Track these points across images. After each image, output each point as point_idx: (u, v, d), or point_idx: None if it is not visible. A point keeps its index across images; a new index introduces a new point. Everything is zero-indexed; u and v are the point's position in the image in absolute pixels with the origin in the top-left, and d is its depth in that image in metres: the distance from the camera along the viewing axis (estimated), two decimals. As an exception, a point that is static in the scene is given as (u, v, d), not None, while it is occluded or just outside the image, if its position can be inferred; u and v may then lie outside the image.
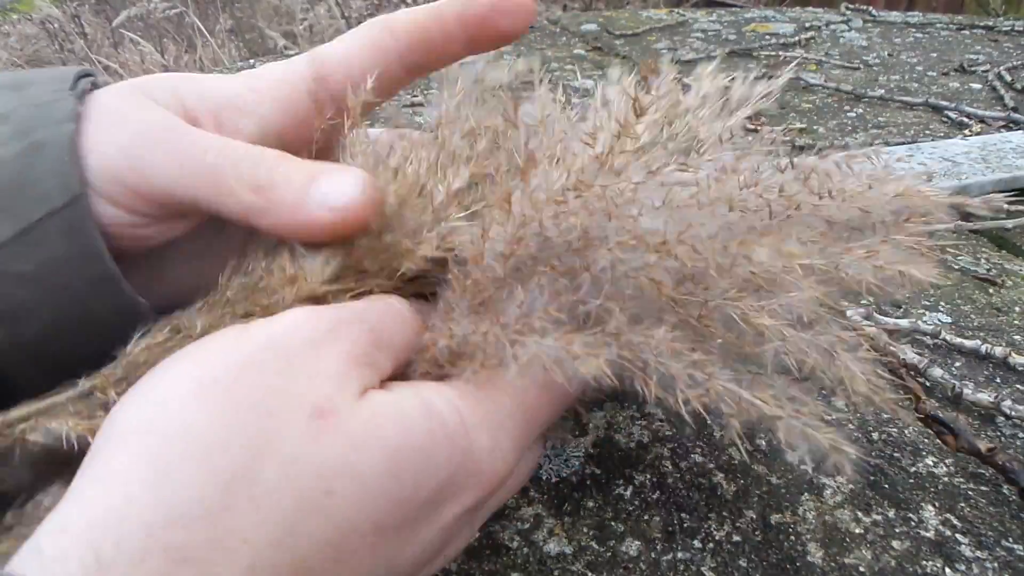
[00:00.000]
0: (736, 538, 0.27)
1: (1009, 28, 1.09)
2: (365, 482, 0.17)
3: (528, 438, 0.22)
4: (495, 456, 0.20)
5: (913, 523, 0.27)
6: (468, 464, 0.19)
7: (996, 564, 0.26)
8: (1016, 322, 0.41)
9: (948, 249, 0.49)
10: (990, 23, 1.15)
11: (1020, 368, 0.36)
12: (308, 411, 0.17)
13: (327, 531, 0.16)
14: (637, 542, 0.27)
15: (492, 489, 0.20)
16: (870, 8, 1.25)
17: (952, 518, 0.28)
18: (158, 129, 0.22)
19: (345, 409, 0.18)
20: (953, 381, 0.34)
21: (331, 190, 0.21)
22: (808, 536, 0.27)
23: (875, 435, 0.32)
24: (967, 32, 1.11)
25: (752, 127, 0.73)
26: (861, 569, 0.25)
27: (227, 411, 0.17)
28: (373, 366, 0.20)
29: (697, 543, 0.27)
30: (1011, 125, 0.71)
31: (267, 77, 0.25)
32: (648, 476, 0.29)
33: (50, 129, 0.21)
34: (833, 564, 0.26)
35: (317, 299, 0.22)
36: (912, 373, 0.36)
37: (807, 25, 1.16)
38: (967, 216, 0.54)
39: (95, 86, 0.24)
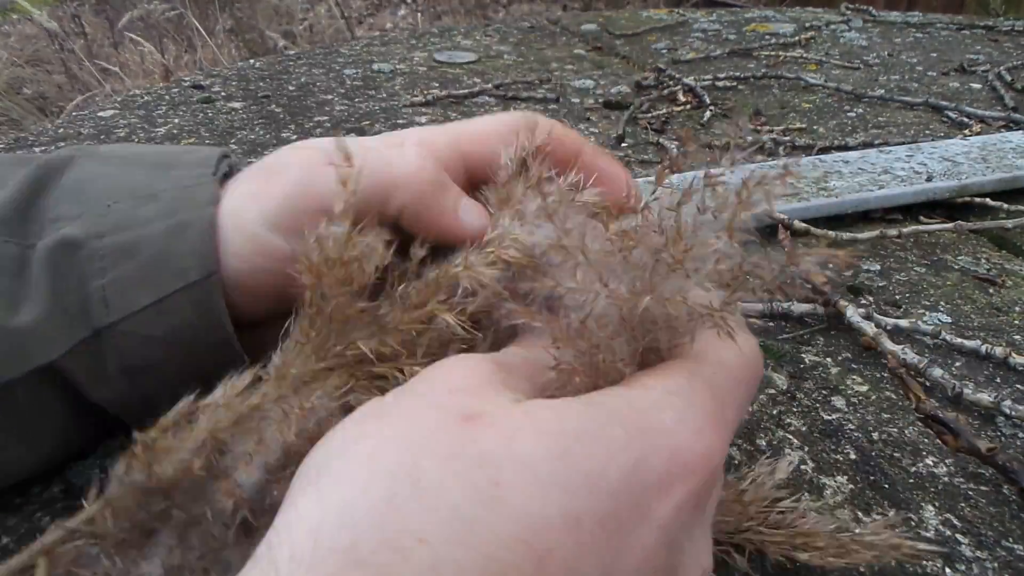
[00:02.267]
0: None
1: (1009, 28, 1.09)
2: (533, 467, 0.16)
3: (727, 416, 0.20)
4: (691, 436, 0.18)
5: (913, 523, 0.28)
6: (658, 447, 0.18)
7: (996, 564, 0.26)
8: (1016, 322, 0.41)
9: (948, 249, 0.49)
10: (990, 23, 1.15)
11: (1020, 368, 0.36)
12: (455, 418, 0.17)
13: (509, 525, 0.15)
14: (637, 542, 0.27)
15: (705, 477, 0.18)
16: (870, 8, 1.25)
17: (952, 518, 0.28)
18: (313, 172, 0.24)
19: (493, 410, 0.17)
20: (953, 381, 0.34)
21: (468, 210, 0.25)
22: (808, 536, 0.27)
23: (875, 435, 0.32)
24: (967, 32, 1.11)
25: (752, 127, 0.73)
26: (861, 569, 0.25)
27: (382, 428, 0.17)
28: (512, 387, 0.19)
29: (697, 543, 0.27)
30: (1011, 125, 0.71)
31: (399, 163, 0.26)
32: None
33: (193, 212, 0.24)
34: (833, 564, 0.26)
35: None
36: (912, 373, 0.36)
37: (807, 25, 1.16)
38: (967, 216, 0.54)
39: (232, 168, 0.27)
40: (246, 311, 0.26)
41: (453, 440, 0.16)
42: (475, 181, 0.27)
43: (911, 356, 0.36)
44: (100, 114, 0.78)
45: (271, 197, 0.24)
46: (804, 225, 0.50)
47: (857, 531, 0.24)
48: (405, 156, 0.25)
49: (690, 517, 0.18)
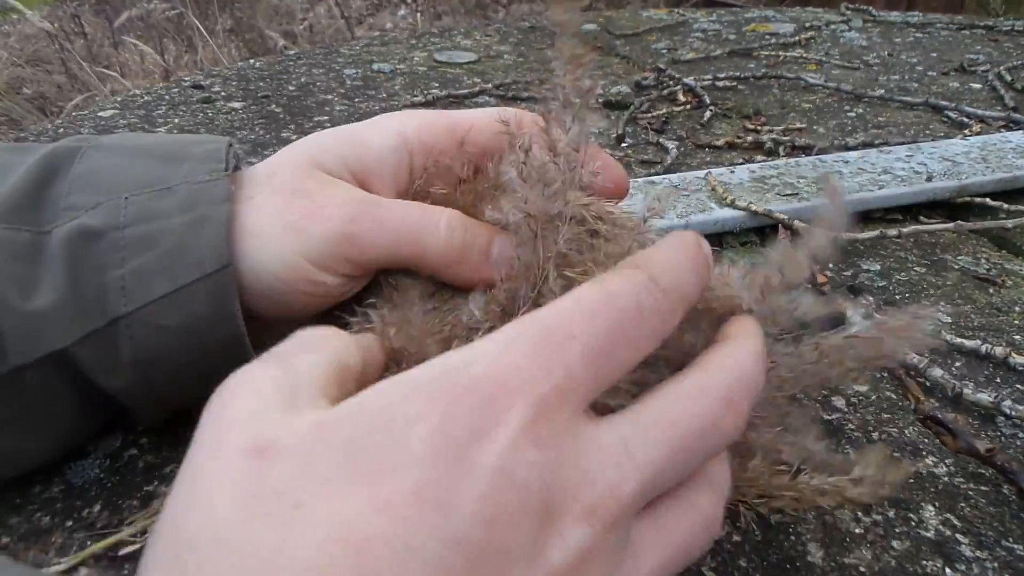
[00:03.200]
0: (736, 538, 0.27)
1: (1009, 28, 1.09)
2: (330, 477, 0.16)
3: (572, 348, 0.18)
4: (503, 376, 0.17)
5: (913, 523, 0.28)
6: (464, 399, 0.16)
7: (996, 564, 0.26)
8: (1016, 322, 0.41)
9: (948, 249, 0.49)
10: (990, 23, 1.15)
11: (1020, 368, 0.36)
12: (243, 455, 0.16)
13: (318, 531, 0.15)
14: (637, 542, 0.27)
15: (535, 410, 0.17)
16: (870, 8, 1.25)
17: (952, 518, 0.28)
18: (366, 206, 0.26)
19: (277, 435, 0.17)
20: (953, 381, 0.34)
21: (501, 251, 0.26)
22: (808, 536, 0.27)
23: (875, 435, 0.32)
24: (967, 32, 1.11)
25: (752, 127, 0.73)
26: (861, 569, 0.26)
27: (177, 495, 0.17)
28: (303, 394, 0.19)
29: (697, 543, 0.27)
30: (1011, 125, 0.71)
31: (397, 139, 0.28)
32: (648, 476, 0.29)
33: (211, 208, 0.25)
34: (833, 564, 0.26)
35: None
36: (912, 373, 0.36)
37: (807, 25, 1.16)
38: (967, 216, 0.54)
39: (236, 157, 0.28)
40: (261, 313, 0.26)
41: (247, 482, 0.16)
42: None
43: (911, 356, 0.36)
44: (100, 114, 0.78)
45: (313, 238, 0.25)
46: (804, 225, 0.50)
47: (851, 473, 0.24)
48: (433, 222, 0.26)
49: (536, 453, 0.16)
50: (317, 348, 0.20)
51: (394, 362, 0.23)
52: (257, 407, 0.18)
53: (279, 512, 0.15)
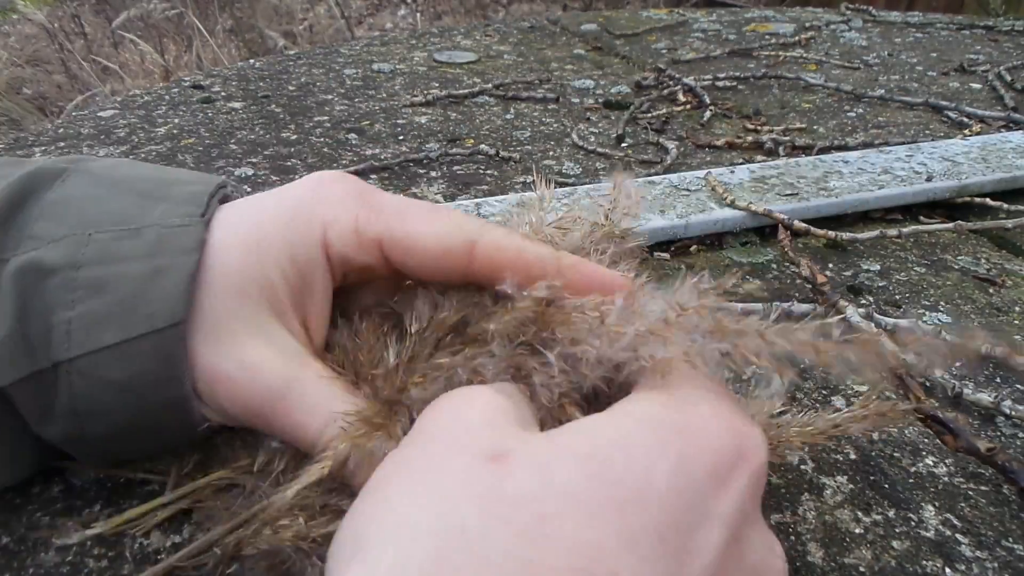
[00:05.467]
0: (736, 538, 0.27)
1: (1009, 28, 1.09)
2: (575, 494, 0.16)
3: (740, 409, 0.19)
4: (730, 423, 0.18)
5: (913, 523, 0.28)
6: (700, 440, 0.17)
7: (996, 564, 0.26)
8: (1016, 322, 0.41)
9: (948, 249, 0.49)
10: (990, 23, 1.15)
11: (1020, 368, 0.36)
12: (483, 459, 0.16)
13: (566, 557, 0.15)
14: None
15: (759, 462, 0.18)
16: (870, 8, 1.25)
17: (952, 518, 0.28)
18: (280, 404, 0.23)
19: (517, 445, 0.17)
20: (953, 381, 0.34)
21: None
22: (808, 536, 0.27)
23: (875, 435, 0.32)
24: (967, 32, 1.11)
25: (752, 127, 0.73)
26: (861, 569, 0.25)
27: (412, 485, 0.17)
28: (522, 419, 0.19)
29: (697, 543, 0.27)
30: (1011, 125, 0.71)
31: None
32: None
33: (175, 258, 0.23)
34: (833, 564, 0.26)
35: None
36: (912, 373, 0.36)
37: (807, 25, 1.16)
38: (967, 216, 0.54)
39: (227, 197, 0.26)
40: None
41: (487, 483, 0.16)
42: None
43: (911, 356, 0.36)
44: (100, 114, 0.78)
45: (236, 404, 0.24)
46: (804, 225, 0.50)
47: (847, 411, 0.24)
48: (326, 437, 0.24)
49: (750, 508, 0.17)
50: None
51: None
52: (496, 418, 0.18)
53: (524, 522, 0.15)
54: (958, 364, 0.23)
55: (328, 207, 0.25)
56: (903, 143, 0.65)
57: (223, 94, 0.85)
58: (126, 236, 0.23)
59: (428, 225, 0.24)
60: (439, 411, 0.19)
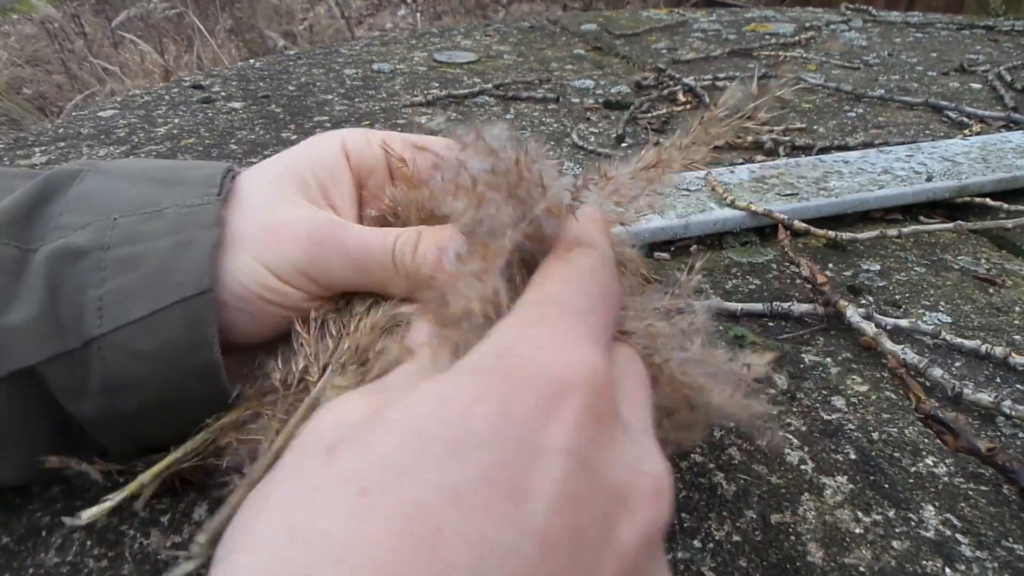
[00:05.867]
0: (736, 538, 0.27)
1: (1009, 28, 1.09)
2: (392, 462, 0.16)
3: (591, 323, 0.19)
4: (554, 355, 0.17)
5: (913, 523, 0.28)
6: (522, 380, 0.17)
7: (996, 564, 0.26)
8: (1016, 322, 0.41)
9: (948, 249, 0.49)
10: (990, 23, 1.15)
11: (1020, 368, 0.36)
12: (321, 454, 0.17)
13: (386, 523, 0.15)
14: (637, 542, 0.27)
15: (589, 389, 0.17)
16: (870, 8, 1.25)
17: (952, 518, 0.28)
18: (330, 233, 0.26)
19: (352, 430, 0.17)
20: (953, 381, 0.34)
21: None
22: (808, 536, 0.27)
23: (875, 435, 0.32)
24: (967, 32, 1.11)
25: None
26: (861, 569, 0.26)
27: (267, 496, 0.17)
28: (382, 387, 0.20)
29: (697, 543, 0.27)
30: (1011, 125, 0.71)
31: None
32: (648, 476, 0.29)
33: (198, 232, 0.25)
34: (833, 564, 0.26)
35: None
36: (912, 373, 0.36)
37: (807, 25, 1.16)
38: (967, 216, 0.54)
39: (235, 180, 0.28)
40: (235, 330, 0.26)
41: (318, 473, 0.16)
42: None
43: (911, 356, 0.36)
44: (100, 114, 0.78)
45: (280, 256, 0.26)
46: (804, 225, 0.50)
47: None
48: (384, 249, 0.27)
49: (596, 432, 0.17)
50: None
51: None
52: (343, 416, 0.18)
53: (345, 500, 0.15)
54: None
55: (340, 133, 0.30)
56: (903, 143, 0.65)
57: (223, 94, 0.85)
58: (149, 218, 0.25)
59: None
60: (302, 435, 0.19)
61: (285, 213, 0.26)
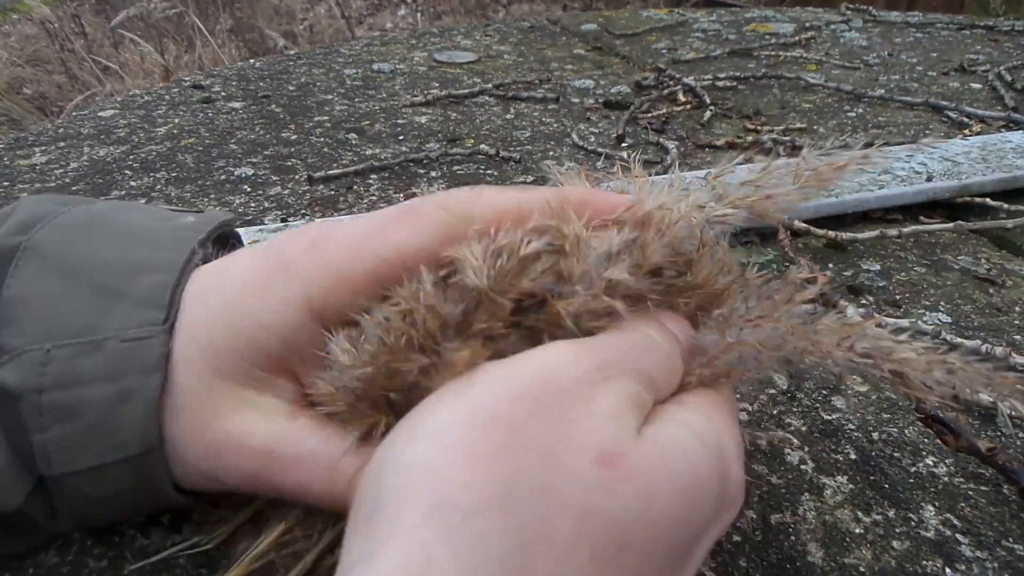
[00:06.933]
0: (736, 538, 0.27)
1: (1009, 28, 1.09)
2: (658, 530, 0.16)
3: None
4: (741, 482, 0.19)
5: (913, 523, 0.28)
6: (726, 495, 0.18)
7: (996, 564, 0.26)
8: (1016, 322, 0.41)
9: (948, 249, 0.49)
10: (990, 23, 1.15)
11: (1020, 368, 0.36)
12: (594, 456, 0.16)
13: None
14: (637, 542, 0.27)
15: (734, 518, 0.19)
16: (870, 8, 1.25)
17: (952, 518, 0.28)
18: (258, 460, 0.23)
19: (630, 451, 0.17)
20: (953, 381, 0.34)
21: None
22: (808, 536, 0.27)
23: (875, 435, 0.32)
24: (967, 32, 1.11)
25: (752, 127, 0.73)
26: (861, 569, 0.26)
27: (513, 455, 0.16)
28: (643, 406, 0.19)
29: (697, 543, 0.27)
30: (1011, 125, 0.71)
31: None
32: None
33: (138, 379, 0.22)
34: (833, 564, 0.26)
35: None
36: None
37: (807, 25, 1.16)
38: (967, 216, 0.54)
39: (206, 261, 0.25)
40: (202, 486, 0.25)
41: (593, 488, 0.16)
42: None
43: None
44: (100, 114, 0.78)
45: (219, 479, 0.23)
46: (804, 225, 0.50)
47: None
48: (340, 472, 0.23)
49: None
50: (670, 373, 0.21)
51: None
52: (619, 412, 0.17)
53: (607, 545, 0.16)
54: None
55: (304, 291, 0.22)
56: (903, 143, 0.65)
57: (223, 94, 0.85)
58: (86, 351, 0.22)
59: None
60: (553, 366, 0.18)
61: (220, 428, 0.23)
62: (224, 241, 0.29)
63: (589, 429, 0.17)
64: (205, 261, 0.25)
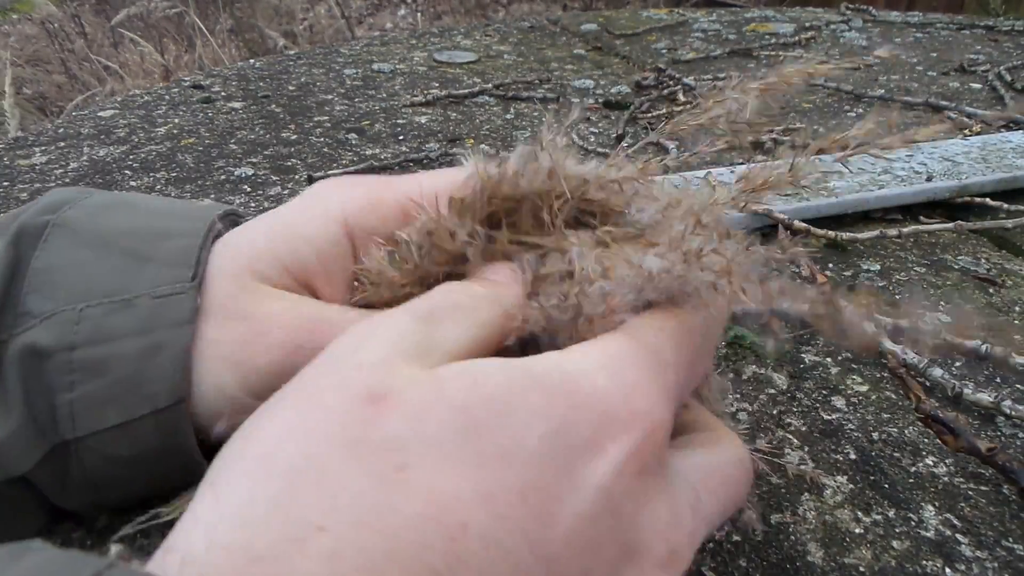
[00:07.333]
0: (736, 538, 0.27)
1: (1009, 28, 1.09)
2: (440, 447, 0.15)
3: (668, 378, 0.19)
4: (626, 394, 0.17)
5: (913, 523, 0.28)
6: (586, 409, 0.17)
7: (996, 564, 0.26)
8: (1016, 322, 0.41)
9: (948, 249, 0.49)
10: (990, 23, 1.15)
11: (1020, 368, 0.36)
12: (360, 399, 0.16)
13: (415, 504, 0.15)
14: (637, 542, 0.27)
15: (642, 436, 0.17)
16: (870, 8, 1.25)
17: (952, 518, 0.28)
18: (310, 330, 0.23)
19: (401, 386, 0.17)
20: (953, 381, 0.34)
21: None
22: (808, 536, 0.27)
23: (875, 435, 0.32)
24: (967, 32, 1.11)
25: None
26: (861, 569, 0.26)
27: (283, 421, 0.17)
28: (434, 346, 0.18)
29: (697, 543, 0.27)
30: (1011, 125, 0.71)
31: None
32: (648, 476, 0.29)
33: (169, 332, 0.23)
34: (833, 564, 0.26)
35: None
36: (912, 373, 0.36)
37: (807, 25, 1.16)
38: (967, 216, 0.54)
39: (220, 234, 0.26)
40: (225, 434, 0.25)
41: (357, 425, 0.16)
42: None
43: (911, 356, 0.36)
44: (100, 114, 0.78)
45: (254, 370, 0.23)
46: (804, 225, 0.50)
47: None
48: None
49: (635, 482, 0.17)
50: (464, 319, 0.20)
51: None
52: (389, 355, 0.17)
53: (383, 469, 0.15)
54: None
55: (341, 202, 0.25)
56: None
57: (223, 94, 0.85)
58: (117, 309, 0.23)
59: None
60: (336, 346, 0.18)
61: (260, 311, 0.23)
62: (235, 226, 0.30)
63: (357, 377, 0.17)
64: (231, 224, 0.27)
